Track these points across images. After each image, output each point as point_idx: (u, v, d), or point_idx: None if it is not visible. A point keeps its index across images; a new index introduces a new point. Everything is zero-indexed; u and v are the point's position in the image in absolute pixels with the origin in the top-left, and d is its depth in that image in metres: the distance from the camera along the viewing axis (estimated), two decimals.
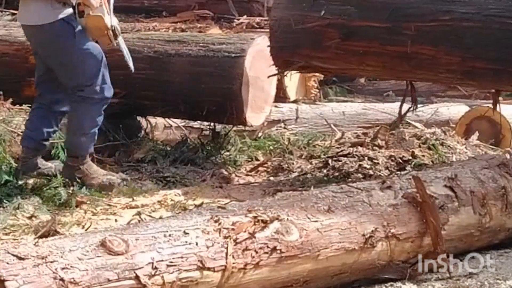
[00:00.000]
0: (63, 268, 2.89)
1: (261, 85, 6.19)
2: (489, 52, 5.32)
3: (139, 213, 4.67)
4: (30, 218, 4.74)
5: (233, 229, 3.32)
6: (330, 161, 5.90)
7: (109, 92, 5.27)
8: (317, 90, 8.38)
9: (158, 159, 6.02)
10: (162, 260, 3.09)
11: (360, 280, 3.74)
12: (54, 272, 2.87)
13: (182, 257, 3.14)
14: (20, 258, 2.86)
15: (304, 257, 3.46)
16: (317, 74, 7.78)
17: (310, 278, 3.51)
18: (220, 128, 6.50)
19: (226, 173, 5.99)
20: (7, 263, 2.83)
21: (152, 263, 3.06)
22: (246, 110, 6.05)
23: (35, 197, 5.00)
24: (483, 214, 4.14)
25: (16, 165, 5.38)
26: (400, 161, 5.75)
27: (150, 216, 4.62)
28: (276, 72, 6.02)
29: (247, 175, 6.09)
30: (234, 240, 3.29)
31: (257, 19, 10.13)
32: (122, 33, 5.33)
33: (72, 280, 2.89)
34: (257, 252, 3.32)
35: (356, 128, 7.27)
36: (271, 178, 6.00)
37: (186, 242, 3.19)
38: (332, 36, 5.64)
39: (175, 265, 3.12)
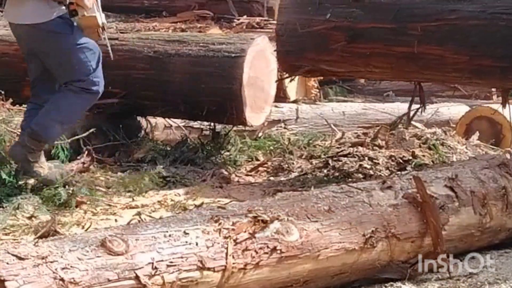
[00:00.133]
0: (63, 268, 2.90)
1: (261, 85, 6.19)
2: (496, 49, 5.32)
3: (139, 213, 4.66)
4: (30, 218, 4.75)
5: (233, 229, 3.31)
6: (330, 161, 5.90)
7: (102, 86, 5.28)
8: (317, 90, 8.39)
9: (158, 159, 6.01)
10: (162, 260, 3.09)
11: (360, 280, 3.74)
12: (54, 272, 2.87)
13: (182, 257, 3.14)
14: (20, 258, 2.86)
15: (304, 257, 3.46)
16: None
17: (310, 278, 3.51)
18: (220, 128, 6.49)
19: (226, 173, 5.98)
20: (7, 263, 2.83)
21: (152, 263, 3.06)
22: (246, 110, 6.05)
23: (35, 197, 5.00)
24: (483, 214, 4.14)
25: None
26: (401, 161, 5.75)
27: (150, 216, 4.61)
28: (284, 76, 6.02)
29: (247, 175, 6.08)
30: (234, 240, 3.28)
31: (257, 19, 10.12)
32: (121, 33, 5.34)
33: (72, 280, 2.89)
34: (257, 252, 3.32)
35: (356, 128, 7.27)
36: (271, 178, 6.00)
37: (186, 242, 3.19)
38: (338, 39, 5.65)
39: (175, 265, 3.12)
